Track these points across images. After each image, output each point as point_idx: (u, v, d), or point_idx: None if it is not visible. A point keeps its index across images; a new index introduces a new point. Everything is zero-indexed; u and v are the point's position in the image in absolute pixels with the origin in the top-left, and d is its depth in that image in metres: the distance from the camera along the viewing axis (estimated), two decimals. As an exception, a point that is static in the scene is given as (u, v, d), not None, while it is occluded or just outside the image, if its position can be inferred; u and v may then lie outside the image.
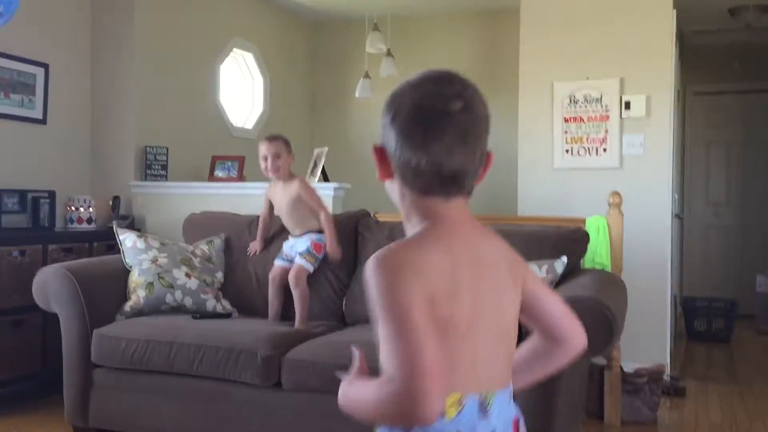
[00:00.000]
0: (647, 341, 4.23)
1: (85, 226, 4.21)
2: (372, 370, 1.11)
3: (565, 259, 2.90)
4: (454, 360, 1.05)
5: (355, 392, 1.09)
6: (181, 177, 4.70)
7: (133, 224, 4.33)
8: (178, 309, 3.28)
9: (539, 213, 4.32)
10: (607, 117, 4.47)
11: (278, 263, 3.33)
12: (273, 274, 3.31)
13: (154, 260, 3.32)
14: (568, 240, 3.09)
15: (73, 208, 4.22)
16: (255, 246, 3.50)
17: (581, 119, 4.52)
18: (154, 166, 4.52)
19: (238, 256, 3.56)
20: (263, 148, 3.23)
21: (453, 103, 1.07)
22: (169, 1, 4.77)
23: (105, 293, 3.19)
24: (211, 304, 3.32)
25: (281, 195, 3.30)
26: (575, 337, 1.22)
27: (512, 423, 1.14)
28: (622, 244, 3.59)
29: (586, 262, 3.41)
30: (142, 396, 2.98)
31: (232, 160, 4.68)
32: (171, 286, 3.27)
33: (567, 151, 4.56)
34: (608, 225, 3.57)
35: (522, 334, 1.24)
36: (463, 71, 1.14)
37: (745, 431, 3.45)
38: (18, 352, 3.55)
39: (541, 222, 3.55)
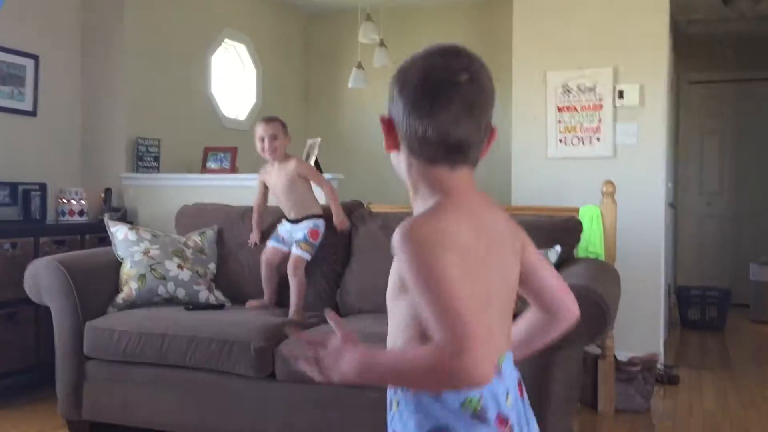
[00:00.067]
0: (641, 330, 4.24)
1: (76, 218, 4.19)
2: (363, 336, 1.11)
3: (558, 248, 2.89)
4: None
5: (389, 360, 1.08)
6: (174, 169, 4.67)
7: (125, 216, 4.31)
8: (171, 300, 3.27)
9: (533, 202, 4.32)
10: (601, 106, 4.46)
11: (271, 244, 3.32)
12: (266, 255, 3.30)
13: (146, 252, 3.31)
14: (562, 229, 3.09)
15: (64, 201, 4.20)
16: (254, 237, 3.48)
17: (575, 108, 4.52)
18: (146, 157, 4.50)
19: (230, 247, 3.54)
20: (260, 129, 3.23)
21: (460, 74, 1.10)
22: (159, -8, 4.74)
23: (97, 285, 3.17)
24: (203, 295, 3.31)
25: (277, 176, 3.29)
26: (569, 308, 1.26)
27: (517, 384, 1.19)
28: (615, 234, 3.59)
29: (580, 251, 3.41)
30: (135, 388, 2.96)
31: (224, 151, 4.66)
32: (163, 278, 3.25)
33: (560, 140, 4.55)
34: (602, 214, 3.57)
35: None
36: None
37: (738, 419, 3.46)
38: (10, 345, 3.53)
39: (535, 211, 3.54)
